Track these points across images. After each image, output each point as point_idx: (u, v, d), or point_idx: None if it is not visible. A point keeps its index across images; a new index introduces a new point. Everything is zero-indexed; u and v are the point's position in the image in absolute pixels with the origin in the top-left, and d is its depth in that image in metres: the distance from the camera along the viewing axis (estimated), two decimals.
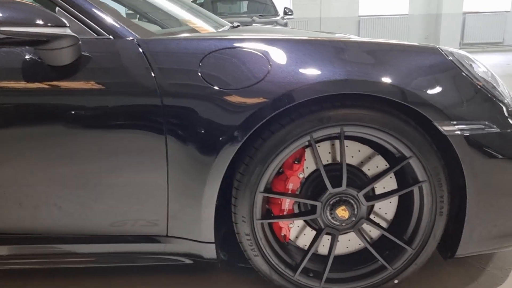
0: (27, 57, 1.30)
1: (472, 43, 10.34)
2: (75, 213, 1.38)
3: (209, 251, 1.41)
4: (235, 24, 2.10)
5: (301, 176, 1.40)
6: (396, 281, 1.44)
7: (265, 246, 1.40)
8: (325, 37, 1.55)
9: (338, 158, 1.42)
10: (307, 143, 1.32)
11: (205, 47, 1.32)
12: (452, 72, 1.33)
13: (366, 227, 1.48)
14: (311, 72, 1.27)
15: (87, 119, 1.30)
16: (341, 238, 1.48)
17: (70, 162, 1.33)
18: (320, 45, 1.36)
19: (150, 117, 1.29)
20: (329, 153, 1.42)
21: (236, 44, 1.33)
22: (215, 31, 1.89)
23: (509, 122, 1.34)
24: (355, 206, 1.38)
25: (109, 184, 1.35)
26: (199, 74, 1.28)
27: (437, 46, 1.39)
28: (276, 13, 6.74)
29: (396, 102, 1.27)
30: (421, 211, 1.39)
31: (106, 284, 1.59)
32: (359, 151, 1.42)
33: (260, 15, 6.52)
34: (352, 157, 1.42)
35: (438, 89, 1.29)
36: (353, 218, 1.39)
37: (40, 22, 1.20)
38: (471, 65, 1.39)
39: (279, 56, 1.30)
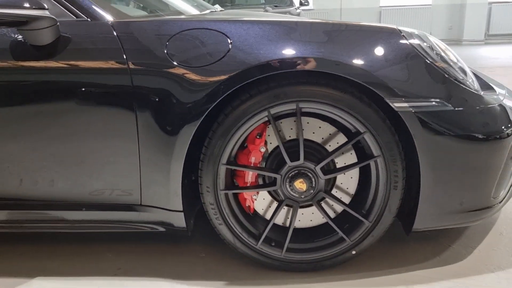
0: (13, 36, 1.43)
1: (498, 34, 10.03)
2: (61, 182, 1.51)
3: (179, 220, 1.51)
4: (218, 9, 2.19)
5: (262, 150, 1.49)
6: (353, 252, 1.51)
7: (229, 215, 1.50)
8: (285, 18, 1.63)
9: (306, 133, 1.50)
10: (268, 119, 1.41)
11: (172, 28, 1.42)
12: (407, 51, 1.38)
13: (331, 201, 1.55)
14: (267, 51, 1.35)
15: (66, 96, 1.43)
16: (305, 211, 1.56)
17: (53, 138, 1.46)
18: (277, 25, 1.43)
19: (121, 95, 1.40)
20: (291, 129, 1.50)
21: (199, 25, 1.42)
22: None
23: (465, 101, 1.38)
24: (313, 179, 1.45)
25: (88, 157, 1.47)
26: (166, 53, 1.38)
27: (397, 27, 1.44)
28: (291, 4, 6.76)
29: (350, 80, 1.34)
30: (377, 186, 1.45)
31: (88, 250, 1.72)
32: (319, 127, 1.49)
33: (275, 6, 6.56)
34: (313, 133, 1.50)
35: (390, 68, 1.35)
36: (311, 191, 1.47)
37: (19, 4, 1.32)
38: (430, 46, 1.43)
39: (239, 36, 1.39)
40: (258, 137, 1.48)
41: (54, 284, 1.53)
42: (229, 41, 1.38)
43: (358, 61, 1.33)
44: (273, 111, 1.38)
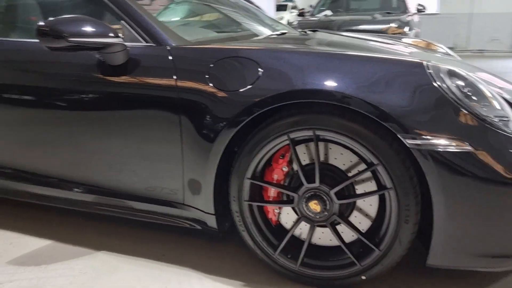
0: (97, 57, 1.79)
1: None
2: (129, 176, 1.84)
3: (211, 221, 1.73)
4: (283, 31, 2.33)
5: (284, 169, 1.62)
6: (363, 277, 1.55)
7: (251, 224, 1.66)
8: (314, 48, 1.72)
9: (325, 158, 1.59)
10: (293, 141, 1.53)
11: (213, 55, 1.63)
12: (429, 88, 1.38)
13: (355, 220, 1.61)
14: (290, 80, 1.48)
15: (132, 105, 1.74)
16: (326, 230, 1.65)
17: (121, 138, 1.78)
18: (305, 55, 1.54)
19: (171, 108, 1.66)
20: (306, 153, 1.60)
21: (235, 54, 1.61)
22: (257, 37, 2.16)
23: (490, 143, 1.34)
24: (327, 202, 1.54)
25: (146, 157, 1.77)
26: (206, 76, 1.60)
27: (425, 62, 1.45)
28: (405, 11, 6.49)
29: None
30: (390, 217, 1.48)
31: (141, 234, 2.04)
32: (341, 154, 1.57)
33: (387, 13, 6.37)
34: (335, 158, 1.58)
35: (407, 104, 1.37)
36: (325, 213, 1.55)
37: (106, 34, 1.66)
38: (459, 84, 1.41)
39: (268, 64, 1.54)
40: (281, 157, 1.62)
41: (111, 258, 1.88)
42: (259, 69, 1.54)
43: (373, 96, 1.38)
44: (293, 135, 1.51)
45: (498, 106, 1.44)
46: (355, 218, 1.61)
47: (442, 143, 1.34)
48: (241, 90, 1.54)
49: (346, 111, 1.43)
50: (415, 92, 1.39)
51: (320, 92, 1.43)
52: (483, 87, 1.47)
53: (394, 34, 5.45)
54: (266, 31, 2.39)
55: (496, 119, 1.38)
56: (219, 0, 2.72)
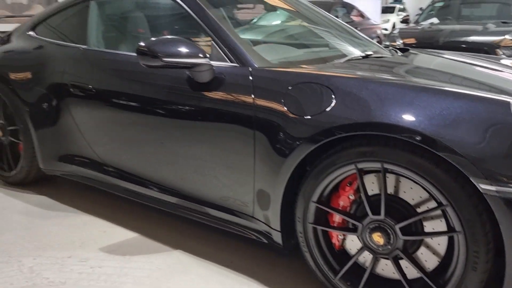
0: (186, 73, 1.95)
1: None
2: (207, 185, 1.99)
3: (277, 237, 1.80)
4: (368, 53, 2.29)
5: (351, 197, 1.62)
6: None
7: (314, 246, 1.69)
8: (392, 78, 1.67)
9: (399, 191, 1.56)
10: (360, 171, 1.54)
11: (290, 79, 1.69)
12: (506, 130, 1.29)
13: (421, 256, 1.56)
14: (363, 111, 1.48)
15: (215, 119, 1.87)
16: (390, 262, 1.61)
17: (207, 147, 1.93)
18: (383, 86, 1.53)
19: (246, 124, 1.76)
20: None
21: (310, 79, 1.66)
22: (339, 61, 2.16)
23: None
24: (391, 236, 1.51)
25: (222, 173, 1.90)
26: (282, 100, 1.67)
27: (510, 101, 1.35)
28: None
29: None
30: (457, 261, 1.41)
31: (208, 239, 2.18)
32: (411, 188, 1.52)
33: (503, 22, 5.80)
34: (405, 192, 1.54)
35: (483, 147, 1.30)
36: (388, 246, 1.53)
37: (189, 54, 1.81)
38: None
39: (343, 92, 1.56)
40: (349, 184, 1.62)
41: (185, 257, 2.04)
42: (333, 96, 1.56)
43: (449, 137, 1.33)
44: (360, 165, 1.51)
45: None
46: (422, 255, 1.56)
47: None
48: (312, 115, 1.58)
49: (417, 147, 1.40)
50: (497, 133, 1.30)
51: (396, 127, 1.40)
52: None
53: (507, 46, 4.97)
54: (355, 51, 2.37)
55: None
56: (311, 16, 2.76)
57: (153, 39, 1.83)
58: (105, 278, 1.89)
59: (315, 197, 1.63)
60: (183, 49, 1.81)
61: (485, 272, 1.36)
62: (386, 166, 1.46)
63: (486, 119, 1.33)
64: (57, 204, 2.64)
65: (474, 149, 1.30)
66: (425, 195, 1.50)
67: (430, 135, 1.34)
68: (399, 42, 5.57)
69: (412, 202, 1.53)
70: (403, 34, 5.82)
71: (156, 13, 2.58)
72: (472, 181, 1.30)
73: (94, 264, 2.00)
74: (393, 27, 6.72)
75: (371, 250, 1.59)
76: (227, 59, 1.90)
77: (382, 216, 1.52)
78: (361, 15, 9.23)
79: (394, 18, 17.93)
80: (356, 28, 3.09)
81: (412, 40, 5.62)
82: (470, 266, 1.37)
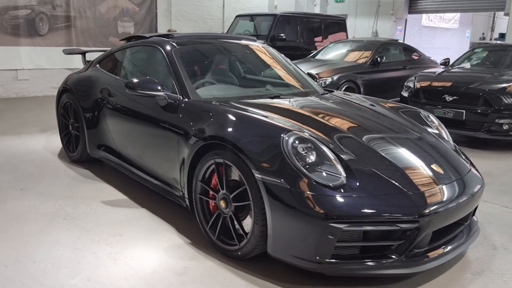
0: (154, 99, 3.25)
1: None
2: (159, 166, 3.27)
3: (187, 202, 2.96)
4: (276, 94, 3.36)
5: (217, 180, 2.73)
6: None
7: (199, 208, 2.82)
8: (249, 110, 2.79)
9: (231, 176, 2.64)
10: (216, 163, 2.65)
11: (201, 107, 2.89)
12: (272, 145, 2.34)
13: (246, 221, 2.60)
14: (217, 128, 2.62)
15: (163, 128, 3.13)
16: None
17: (157, 144, 3.21)
18: (230, 114, 2.67)
19: (175, 131, 2.99)
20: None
21: (209, 109, 2.84)
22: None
23: None
24: (228, 202, 2.59)
25: (164, 159, 3.13)
26: (192, 118, 2.87)
27: (283, 134, 2.39)
28: None
29: None
30: (252, 219, 2.45)
31: None
32: (238, 175, 2.60)
33: None
34: (232, 177, 2.61)
35: (258, 150, 2.35)
36: (228, 209, 2.60)
37: (152, 88, 3.10)
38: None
39: (216, 117, 2.71)
40: (216, 171, 2.74)
41: (143, 212, 3.28)
42: (211, 119, 2.73)
43: (244, 145, 2.42)
44: (216, 160, 2.63)
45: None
46: (245, 220, 2.59)
47: None
48: (201, 128, 2.75)
49: (234, 150, 2.48)
50: (267, 145, 2.36)
51: (225, 139, 2.53)
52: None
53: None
54: (273, 92, 3.48)
55: None
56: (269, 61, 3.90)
57: (134, 79, 3.15)
58: (94, 216, 3.23)
59: (199, 178, 2.78)
60: (150, 86, 3.10)
61: (263, 225, 2.37)
62: (225, 161, 2.56)
63: (264, 136, 2.40)
64: (91, 175, 4.10)
65: (255, 153, 2.36)
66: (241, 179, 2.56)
67: (236, 143, 2.43)
68: (415, 85, 6.26)
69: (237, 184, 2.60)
70: (419, 78, 6.45)
71: (152, 60, 3.88)
72: (252, 171, 2.35)
73: (97, 208, 3.34)
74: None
75: (221, 211, 2.68)
76: (178, 93, 3.15)
77: (224, 190, 2.61)
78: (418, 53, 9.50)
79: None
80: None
81: (425, 84, 6.26)
82: (254, 221, 2.40)
